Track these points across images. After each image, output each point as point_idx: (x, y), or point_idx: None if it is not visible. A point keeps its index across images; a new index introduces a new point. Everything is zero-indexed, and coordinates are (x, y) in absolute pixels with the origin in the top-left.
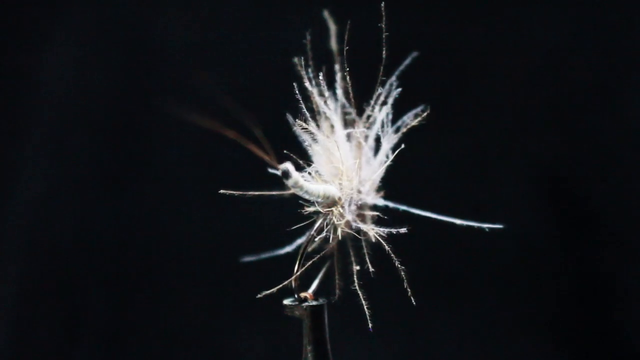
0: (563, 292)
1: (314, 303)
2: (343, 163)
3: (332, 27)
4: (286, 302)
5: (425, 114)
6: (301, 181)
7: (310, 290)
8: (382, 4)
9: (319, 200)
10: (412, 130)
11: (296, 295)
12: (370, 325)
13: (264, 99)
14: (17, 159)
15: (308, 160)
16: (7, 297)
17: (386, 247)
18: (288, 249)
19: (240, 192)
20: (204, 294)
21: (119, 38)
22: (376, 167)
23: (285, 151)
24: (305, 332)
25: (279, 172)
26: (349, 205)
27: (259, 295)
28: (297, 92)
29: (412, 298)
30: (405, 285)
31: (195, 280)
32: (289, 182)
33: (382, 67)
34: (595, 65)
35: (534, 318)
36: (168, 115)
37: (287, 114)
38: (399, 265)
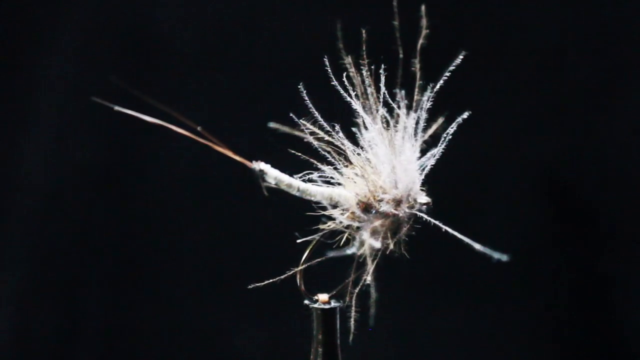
0: (563, 292)
1: (322, 306)
2: (356, 168)
3: (424, 24)
4: (306, 302)
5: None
6: (287, 180)
7: (327, 294)
8: (395, 3)
9: (325, 202)
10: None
11: (304, 294)
12: (350, 338)
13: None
14: (18, 159)
15: (318, 162)
16: (8, 297)
17: (367, 262)
18: (353, 249)
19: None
20: (204, 294)
21: (120, 37)
22: (403, 177)
23: (291, 150)
24: (314, 334)
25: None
26: (361, 212)
27: (250, 286)
28: (303, 91)
29: (370, 322)
30: (371, 302)
31: (196, 280)
32: (269, 180)
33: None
34: (595, 65)
35: (533, 318)
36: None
37: (291, 114)
38: (370, 279)
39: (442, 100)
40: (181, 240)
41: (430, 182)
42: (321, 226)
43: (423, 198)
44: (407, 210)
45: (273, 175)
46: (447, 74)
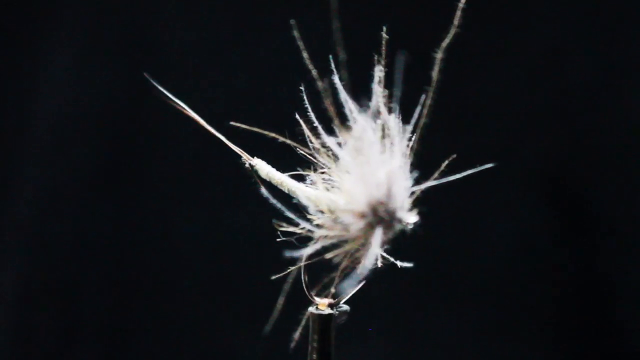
0: (563, 292)
1: (318, 311)
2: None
3: (456, 21)
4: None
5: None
6: (278, 177)
7: (329, 300)
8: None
9: (318, 206)
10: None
11: (306, 289)
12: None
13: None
14: (17, 160)
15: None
16: (7, 297)
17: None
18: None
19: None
20: (204, 295)
21: (119, 38)
22: (369, 188)
23: (300, 151)
24: (309, 340)
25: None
26: (329, 221)
27: (273, 277)
28: (304, 92)
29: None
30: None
31: (196, 281)
32: (262, 175)
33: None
34: (595, 65)
35: (534, 318)
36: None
37: (296, 114)
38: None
39: (442, 101)
40: (182, 241)
41: (430, 182)
42: (297, 229)
43: (407, 216)
44: (362, 226)
45: (265, 171)
46: (399, 75)
